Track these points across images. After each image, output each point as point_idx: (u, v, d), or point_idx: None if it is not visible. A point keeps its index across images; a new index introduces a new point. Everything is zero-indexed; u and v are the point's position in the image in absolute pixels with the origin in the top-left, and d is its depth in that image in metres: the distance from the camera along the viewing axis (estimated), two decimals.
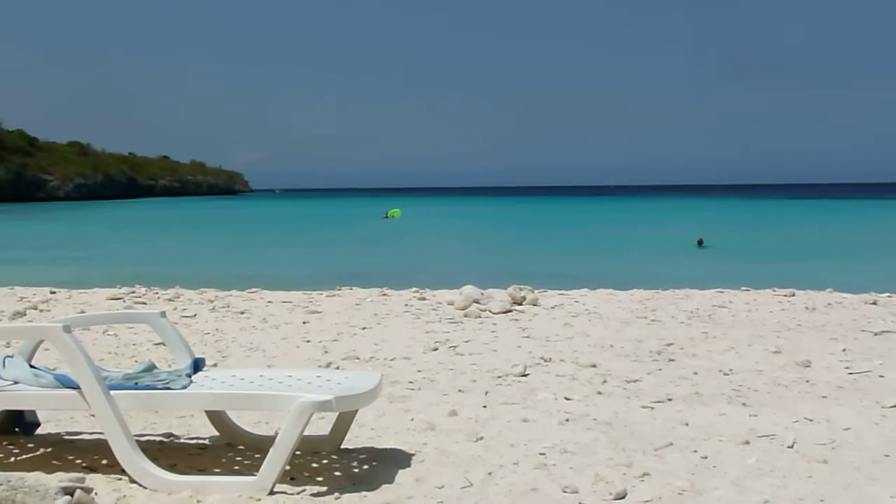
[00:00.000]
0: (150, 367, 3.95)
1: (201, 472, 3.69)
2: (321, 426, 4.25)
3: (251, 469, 3.67)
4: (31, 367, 3.79)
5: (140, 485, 3.44)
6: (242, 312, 8.88)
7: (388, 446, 4.10)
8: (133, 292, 10.87)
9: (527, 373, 5.79)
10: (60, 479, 3.20)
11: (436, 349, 6.75)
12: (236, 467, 3.80)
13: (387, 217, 51.75)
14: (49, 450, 4.02)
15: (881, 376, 5.69)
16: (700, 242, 27.39)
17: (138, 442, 3.59)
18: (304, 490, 3.45)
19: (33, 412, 4.24)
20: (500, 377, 5.70)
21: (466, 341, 7.11)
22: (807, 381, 5.55)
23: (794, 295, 10.20)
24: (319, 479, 3.61)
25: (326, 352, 6.69)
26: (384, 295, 10.40)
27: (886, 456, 3.93)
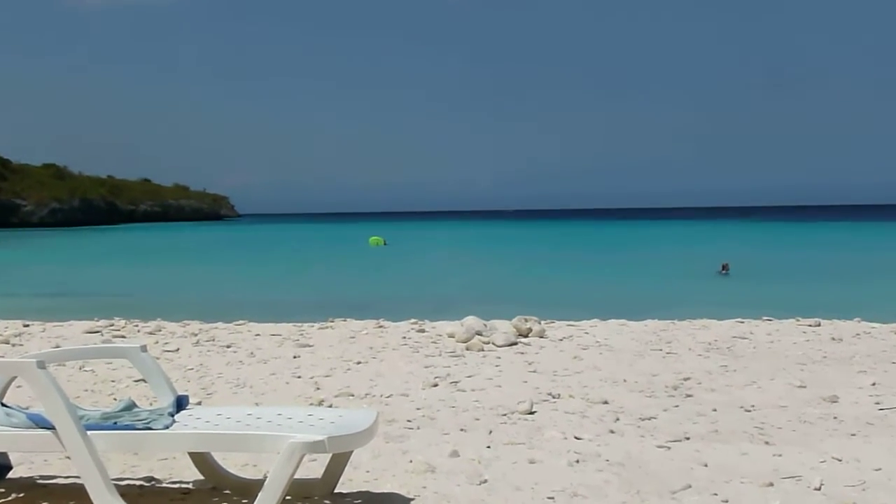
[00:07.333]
0: (130, 406, 3.94)
1: None
2: (313, 468, 4.25)
3: None
4: (3, 405, 3.79)
5: None
6: (228, 346, 8.88)
7: (385, 490, 4.09)
8: (111, 325, 10.87)
9: (533, 410, 5.79)
10: None
11: (436, 385, 6.75)
12: None
13: (377, 245, 51.77)
14: (21, 495, 4.00)
15: None
16: (725, 268, 26.88)
17: (117, 486, 3.58)
18: None
19: (5, 454, 4.23)
20: (504, 415, 5.69)
21: (468, 376, 7.10)
22: (834, 418, 5.55)
23: (819, 325, 10.20)
24: None
25: (318, 388, 6.69)
26: (380, 327, 10.41)
27: None
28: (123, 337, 9.83)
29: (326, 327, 10.51)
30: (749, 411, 5.77)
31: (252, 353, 8.41)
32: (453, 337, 9.05)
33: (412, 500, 3.93)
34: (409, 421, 5.54)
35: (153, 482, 4.26)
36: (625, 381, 6.88)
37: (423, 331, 9.92)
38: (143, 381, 6.04)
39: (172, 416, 3.82)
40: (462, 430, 5.30)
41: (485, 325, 9.20)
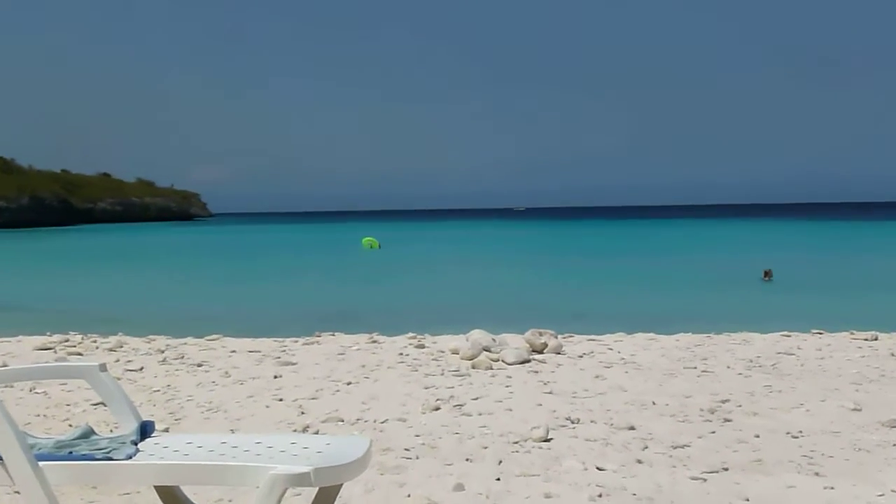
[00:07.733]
0: (88, 433, 3.94)
1: None
2: None
3: None
4: None
5: None
6: (200, 365, 8.89)
7: None
8: (66, 340, 10.88)
9: (549, 437, 5.79)
10: None
11: (437, 408, 6.75)
12: None
13: (371, 247, 51.83)
14: None
15: None
16: (768, 275, 26.88)
17: None
18: None
19: None
20: (516, 442, 5.69)
21: (475, 398, 7.10)
22: (894, 445, 5.54)
23: (876, 338, 10.19)
24: None
25: (303, 412, 6.69)
26: (373, 342, 10.41)
27: None
28: (80, 354, 9.83)
29: (312, 343, 10.51)
30: (796, 438, 5.76)
31: (227, 373, 8.41)
32: (457, 353, 9.05)
33: None
34: (406, 450, 5.53)
35: None
36: (654, 403, 6.87)
37: (422, 346, 9.92)
38: (103, 404, 6.04)
39: (136, 444, 3.81)
40: (467, 459, 5.30)
41: (493, 340, 9.20)
